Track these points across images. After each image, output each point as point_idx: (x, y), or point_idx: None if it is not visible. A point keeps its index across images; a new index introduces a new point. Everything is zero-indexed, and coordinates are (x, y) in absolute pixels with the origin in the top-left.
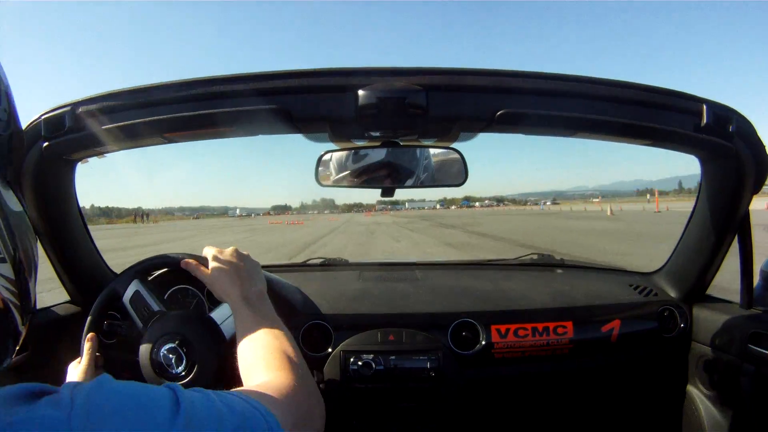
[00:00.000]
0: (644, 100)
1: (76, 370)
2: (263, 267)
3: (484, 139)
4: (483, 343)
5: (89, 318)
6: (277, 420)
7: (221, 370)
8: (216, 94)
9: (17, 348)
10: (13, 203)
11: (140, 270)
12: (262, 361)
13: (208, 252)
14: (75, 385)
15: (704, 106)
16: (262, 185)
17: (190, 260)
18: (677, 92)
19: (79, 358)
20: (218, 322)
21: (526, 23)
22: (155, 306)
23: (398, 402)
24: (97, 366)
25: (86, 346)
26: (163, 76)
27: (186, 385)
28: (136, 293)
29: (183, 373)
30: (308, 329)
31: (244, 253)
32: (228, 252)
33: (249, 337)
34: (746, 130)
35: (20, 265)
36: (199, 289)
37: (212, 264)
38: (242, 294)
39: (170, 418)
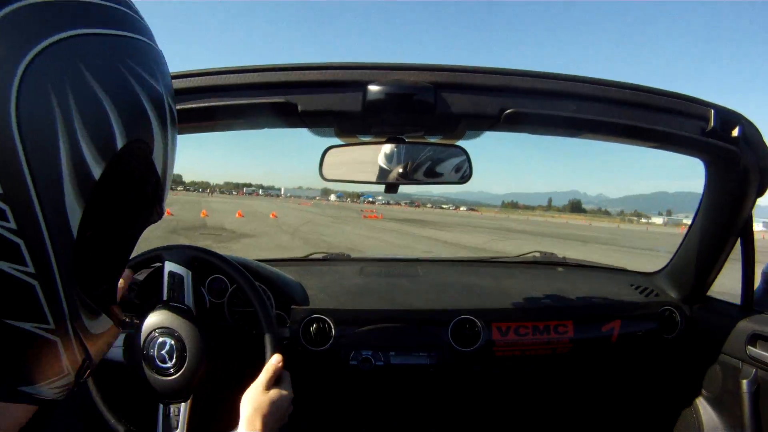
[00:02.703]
0: (651, 102)
1: None
2: (264, 261)
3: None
4: (483, 340)
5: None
6: None
7: (208, 377)
8: (223, 86)
9: None
10: (100, 326)
11: (141, 262)
12: None
13: (274, 361)
14: None
15: (711, 111)
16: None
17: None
18: (684, 96)
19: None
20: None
21: (536, 25)
22: (188, 299)
23: (397, 398)
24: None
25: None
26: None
27: (172, 383)
28: (180, 277)
29: (171, 370)
30: (308, 323)
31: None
32: (282, 394)
33: None
34: (752, 135)
35: (86, 369)
36: (201, 284)
37: (264, 384)
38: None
39: None
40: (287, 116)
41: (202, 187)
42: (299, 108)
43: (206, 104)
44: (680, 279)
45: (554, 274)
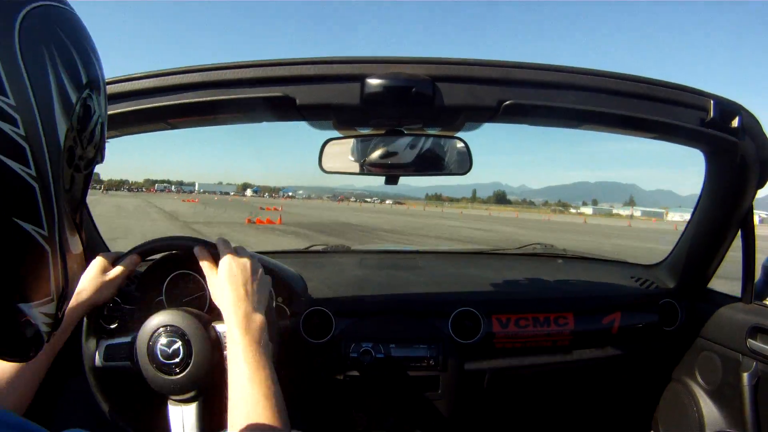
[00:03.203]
0: (651, 93)
1: (104, 274)
2: (264, 253)
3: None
4: (484, 332)
5: None
6: None
7: (213, 377)
8: (222, 81)
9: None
10: (75, 247)
11: (147, 250)
12: (243, 406)
13: (222, 246)
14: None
15: (711, 101)
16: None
17: (203, 249)
18: (684, 87)
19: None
20: (220, 333)
21: (533, 17)
22: (160, 290)
23: (398, 390)
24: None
25: (125, 262)
26: (168, 63)
27: (178, 382)
28: (143, 274)
29: (177, 369)
30: (309, 315)
31: (259, 266)
32: (243, 259)
33: (236, 372)
34: (752, 125)
35: (65, 300)
36: (201, 277)
37: (222, 265)
38: (243, 317)
39: None
40: (286, 110)
41: (116, 186)
42: (297, 101)
43: (205, 99)
44: (681, 271)
45: (555, 266)
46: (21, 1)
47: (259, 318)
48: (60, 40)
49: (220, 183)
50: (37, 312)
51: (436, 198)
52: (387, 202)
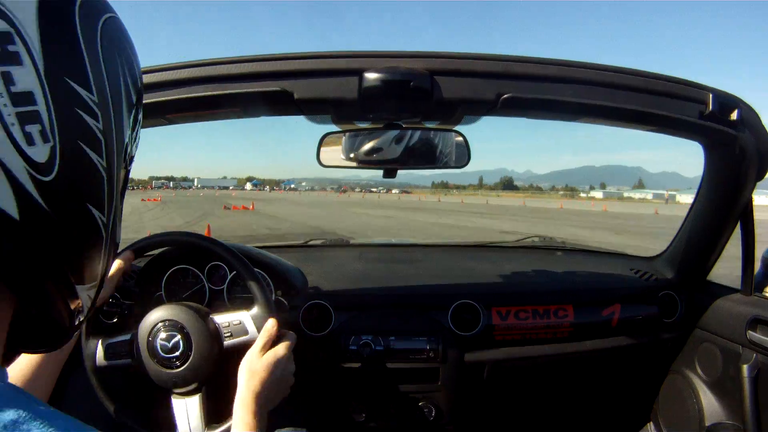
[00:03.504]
0: (649, 87)
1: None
2: (262, 247)
3: None
4: (483, 324)
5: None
6: None
7: (214, 369)
8: (219, 76)
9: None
10: (119, 236)
11: (143, 247)
12: None
13: (269, 325)
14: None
15: (710, 94)
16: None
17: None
18: (683, 80)
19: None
20: (219, 325)
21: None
22: (159, 286)
23: (397, 383)
24: (125, 276)
25: (117, 262)
26: (166, 58)
27: (179, 375)
28: (143, 270)
29: (177, 363)
30: (308, 309)
31: (290, 366)
32: (282, 350)
33: None
34: (751, 118)
35: (101, 286)
36: (201, 272)
37: (254, 352)
38: (257, 405)
39: None
40: (284, 104)
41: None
42: (295, 96)
43: (203, 94)
44: (680, 263)
45: (554, 258)
46: (101, 9)
47: (265, 411)
48: (126, 48)
49: (225, 177)
50: (86, 296)
51: (443, 186)
52: (393, 191)
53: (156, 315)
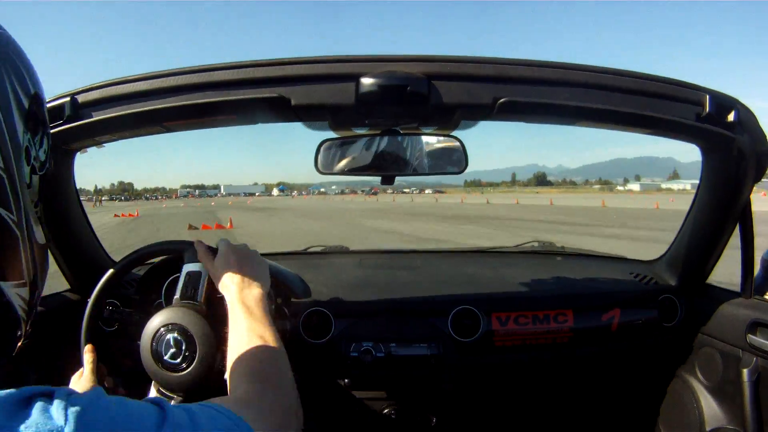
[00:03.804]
0: (646, 89)
1: (79, 382)
2: (263, 254)
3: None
4: (483, 330)
5: (90, 300)
6: None
7: (220, 370)
8: (216, 82)
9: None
10: (41, 237)
11: (146, 254)
12: (247, 368)
13: (222, 244)
14: (69, 395)
15: (707, 96)
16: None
17: (202, 244)
18: (679, 81)
19: (81, 369)
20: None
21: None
22: (200, 296)
23: (398, 389)
24: (100, 375)
25: (86, 358)
26: (162, 64)
27: (184, 378)
28: (198, 273)
29: (183, 365)
30: (308, 316)
31: (253, 252)
32: (238, 247)
33: (238, 340)
34: (748, 119)
35: (36, 288)
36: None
37: (220, 255)
38: (240, 293)
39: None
40: (281, 110)
41: (151, 193)
42: (292, 102)
43: (200, 101)
44: (679, 267)
45: (553, 263)
46: None
47: (256, 291)
48: (11, 57)
49: (255, 183)
50: (14, 293)
51: (476, 184)
52: (427, 191)
53: (158, 320)
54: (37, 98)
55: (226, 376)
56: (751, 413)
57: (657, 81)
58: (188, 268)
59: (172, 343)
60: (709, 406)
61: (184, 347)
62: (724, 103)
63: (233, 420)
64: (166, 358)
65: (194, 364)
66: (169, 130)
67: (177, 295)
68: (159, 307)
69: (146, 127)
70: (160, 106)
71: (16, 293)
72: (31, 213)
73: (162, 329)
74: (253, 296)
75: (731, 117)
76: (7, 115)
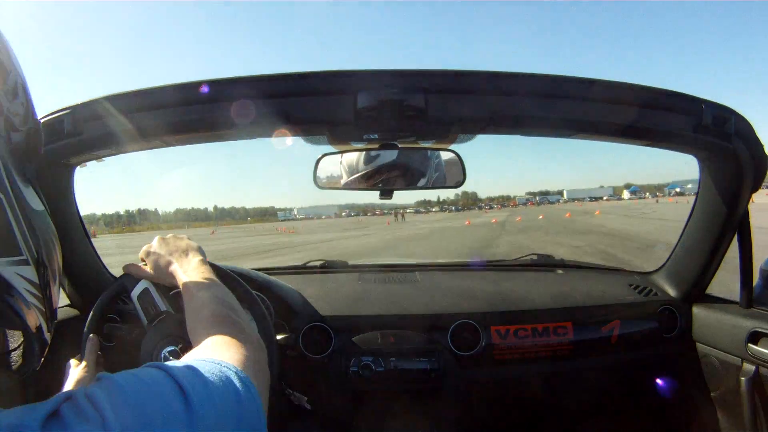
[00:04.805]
0: (642, 100)
1: (76, 370)
2: (262, 270)
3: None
4: (483, 344)
5: (91, 315)
6: (250, 379)
7: None
8: (214, 97)
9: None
10: (35, 202)
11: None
12: (207, 321)
13: (142, 250)
14: (84, 392)
15: (703, 107)
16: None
17: (131, 265)
18: (675, 93)
19: (78, 355)
20: None
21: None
22: (162, 305)
23: (398, 403)
24: (98, 365)
25: (87, 346)
26: (163, 79)
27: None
28: (145, 290)
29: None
30: (308, 331)
31: (168, 236)
32: (154, 243)
33: (194, 303)
34: (745, 130)
35: (44, 268)
36: None
37: (149, 258)
38: (181, 271)
39: (184, 402)
40: (279, 125)
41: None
42: (290, 116)
43: (198, 116)
44: (678, 277)
45: (552, 276)
46: None
47: (193, 262)
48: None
49: (352, 203)
50: (13, 272)
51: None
52: (408, 210)
53: (159, 332)
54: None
55: (190, 335)
56: (751, 422)
57: (653, 92)
58: (135, 293)
59: (173, 355)
60: (710, 416)
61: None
62: (721, 113)
63: (221, 364)
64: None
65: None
66: (168, 144)
67: (145, 322)
68: (160, 321)
69: (145, 142)
70: (158, 121)
71: (16, 273)
72: (16, 173)
73: (161, 342)
74: (192, 266)
75: (728, 127)
76: None
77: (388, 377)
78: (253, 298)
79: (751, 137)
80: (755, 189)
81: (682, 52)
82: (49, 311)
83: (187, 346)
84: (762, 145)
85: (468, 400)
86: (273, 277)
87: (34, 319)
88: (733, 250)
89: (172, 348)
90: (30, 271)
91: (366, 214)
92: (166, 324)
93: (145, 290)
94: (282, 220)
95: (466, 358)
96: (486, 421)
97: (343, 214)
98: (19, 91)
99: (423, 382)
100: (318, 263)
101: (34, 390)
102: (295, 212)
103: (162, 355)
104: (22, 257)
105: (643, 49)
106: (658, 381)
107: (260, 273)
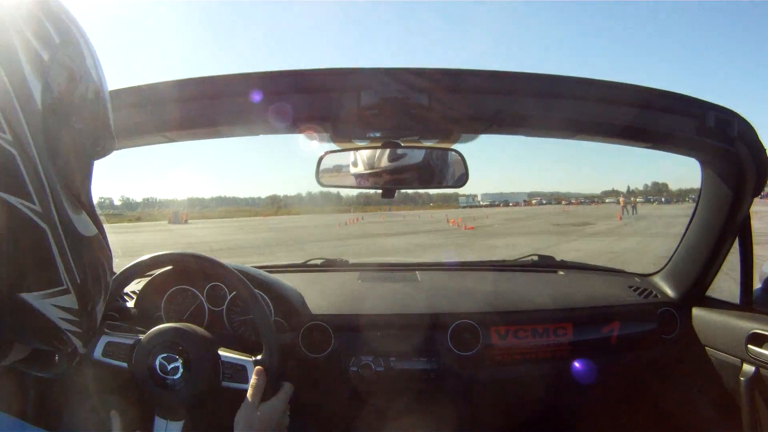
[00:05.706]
0: (646, 102)
1: None
2: (262, 268)
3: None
4: (483, 344)
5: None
6: None
7: (204, 400)
8: (218, 93)
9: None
10: (88, 228)
11: (144, 266)
12: None
13: (281, 394)
14: None
15: (706, 109)
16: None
17: (263, 375)
18: (679, 95)
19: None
20: (223, 361)
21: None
22: (157, 307)
23: (398, 403)
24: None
25: None
26: (166, 75)
27: (170, 397)
28: (141, 291)
29: (172, 385)
30: (308, 330)
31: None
32: (278, 403)
33: None
34: (748, 133)
35: (88, 293)
36: (200, 292)
37: (242, 416)
38: None
39: None
40: (282, 122)
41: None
42: (294, 113)
43: (200, 112)
44: (679, 279)
45: (552, 277)
46: None
47: None
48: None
49: (534, 192)
50: (49, 304)
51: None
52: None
53: (160, 333)
54: (67, 47)
55: None
56: (750, 424)
57: (657, 94)
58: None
59: (169, 361)
60: (710, 417)
61: (180, 370)
62: (723, 116)
63: None
64: (159, 372)
65: (182, 388)
66: (171, 140)
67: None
68: (158, 321)
69: (149, 137)
70: (162, 117)
71: (53, 305)
72: (65, 197)
73: (160, 344)
74: None
75: (730, 130)
76: (13, 69)
77: (387, 377)
78: (253, 296)
79: (754, 141)
80: (757, 193)
81: (686, 53)
82: (89, 328)
83: (183, 351)
84: (765, 149)
85: (467, 400)
86: (273, 276)
87: (65, 344)
88: (732, 250)
89: (166, 354)
90: (69, 300)
91: (560, 203)
92: (161, 330)
93: (139, 291)
94: (463, 207)
95: (466, 358)
96: (485, 422)
97: (533, 201)
98: (89, 97)
99: (423, 382)
100: (318, 261)
101: (34, 390)
102: (479, 198)
103: (157, 361)
104: (61, 287)
105: (645, 49)
106: (658, 382)
107: (260, 271)
